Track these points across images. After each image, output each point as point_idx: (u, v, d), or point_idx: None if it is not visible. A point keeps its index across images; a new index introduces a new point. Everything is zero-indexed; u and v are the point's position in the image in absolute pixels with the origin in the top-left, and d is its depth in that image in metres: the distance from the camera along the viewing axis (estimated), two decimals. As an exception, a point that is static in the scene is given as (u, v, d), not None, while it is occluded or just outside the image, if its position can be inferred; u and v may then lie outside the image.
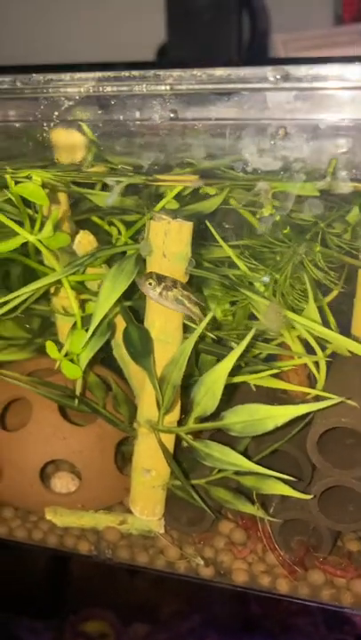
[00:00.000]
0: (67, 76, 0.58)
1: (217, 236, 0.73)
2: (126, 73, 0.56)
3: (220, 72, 0.55)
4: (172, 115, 0.56)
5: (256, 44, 1.86)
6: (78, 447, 0.79)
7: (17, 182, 0.66)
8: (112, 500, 0.82)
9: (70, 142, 0.65)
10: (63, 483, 0.83)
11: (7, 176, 0.65)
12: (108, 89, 0.57)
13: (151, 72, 0.55)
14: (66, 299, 0.80)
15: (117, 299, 0.68)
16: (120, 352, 0.80)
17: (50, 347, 0.71)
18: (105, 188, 0.76)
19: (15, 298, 0.70)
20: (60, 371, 0.81)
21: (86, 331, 0.71)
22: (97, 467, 0.79)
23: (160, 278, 0.67)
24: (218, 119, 0.56)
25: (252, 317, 0.79)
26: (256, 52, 1.83)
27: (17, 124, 0.61)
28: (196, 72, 0.55)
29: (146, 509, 0.77)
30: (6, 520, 0.83)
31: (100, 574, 1.37)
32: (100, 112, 0.58)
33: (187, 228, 0.67)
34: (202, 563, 0.75)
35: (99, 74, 0.56)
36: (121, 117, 0.58)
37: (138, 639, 1.34)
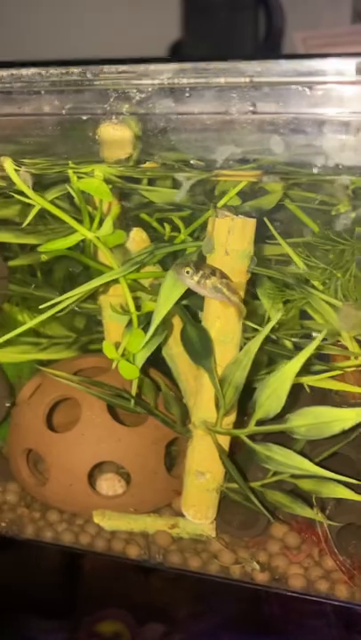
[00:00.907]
0: (140, 68, 0.56)
1: (275, 234, 0.71)
2: (204, 64, 0.54)
3: (301, 64, 0.53)
4: (250, 108, 0.54)
5: (271, 40, 1.85)
6: (129, 449, 0.77)
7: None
8: (161, 502, 0.80)
9: (118, 138, 0.64)
10: (109, 485, 0.81)
11: (70, 171, 0.63)
12: (185, 81, 0.55)
13: (230, 64, 0.54)
14: (114, 297, 0.79)
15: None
16: (170, 352, 0.79)
17: (107, 346, 0.69)
18: (151, 183, 0.74)
19: (70, 296, 0.68)
20: (107, 370, 0.80)
21: (142, 330, 0.69)
22: (147, 469, 0.78)
23: (197, 266, 0.65)
24: (297, 113, 0.54)
25: (304, 317, 0.78)
26: (271, 49, 1.81)
27: (84, 117, 0.59)
28: (275, 64, 0.53)
29: (199, 513, 0.76)
30: (52, 524, 0.81)
31: (113, 574, 1.36)
32: (173, 105, 0.56)
33: (250, 224, 0.65)
34: (258, 567, 0.73)
35: (175, 65, 0.55)
36: (196, 110, 0.56)
37: (153, 639, 1.32)
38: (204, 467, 0.73)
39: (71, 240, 0.68)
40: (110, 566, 1.34)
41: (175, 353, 0.79)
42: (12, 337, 0.81)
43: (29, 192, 0.64)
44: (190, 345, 0.69)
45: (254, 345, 0.64)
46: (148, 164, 0.67)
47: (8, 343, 0.85)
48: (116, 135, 0.63)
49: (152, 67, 0.55)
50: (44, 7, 1.89)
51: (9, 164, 0.63)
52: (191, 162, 0.58)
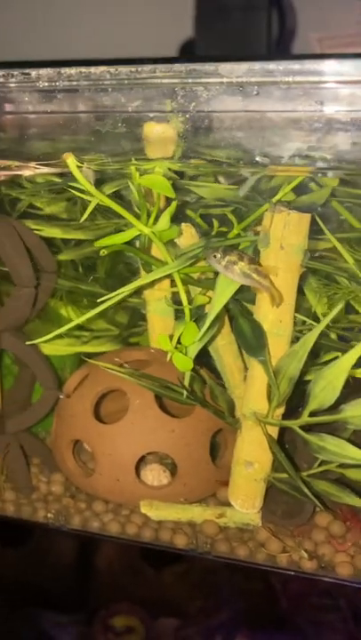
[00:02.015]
0: (211, 67, 0.57)
1: (324, 229, 0.73)
2: (273, 65, 0.56)
3: None
4: (318, 107, 0.56)
5: (284, 41, 1.86)
6: (177, 440, 0.78)
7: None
8: (206, 492, 0.82)
9: (161, 136, 0.65)
10: (155, 475, 0.83)
11: (132, 167, 0.65)
12: (253, 79, 0.57)
13: (299, 63, 0.55)
14: (159, 290, 0.80)
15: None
16: (215, 345, 0.80)
17: (162, 339, 0.70)
18: (193, 179, 0.76)
19: (124, 291, 0.70)
20: (151, 363, 0.82)
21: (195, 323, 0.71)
22: (194, 459, 0.79)
23: (225, 251, 0.67)
24: (363, 111, 0.56)
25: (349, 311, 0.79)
26: (284, 50, 1.83)
27: (150, 115, 0.60)
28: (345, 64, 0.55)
29: (246, 503, 0.77)
30: (98, 514, 0.82)
31: (126, 568, 1.37)
32: (241, 102, 0.58)
33: (305, 219, 0.67)
34: (306, 556, 0.75)
35: (245, 65, 0.56)
36: (263, 108, 0.58)
37: (166, 633, 1.34)
38: (252, 457, 0.75)
39: (127, 235, 0.70)
40: (123, 561, 1.36)
41: (220, 345, 0.80)
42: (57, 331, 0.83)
43: (91, 188, 0.66)
44: (243, 338, 0.70)
45: (311, 337, 0.66)
46: (195, 161, 0.69)
47: (54, 337, 0.86)
48: (160, 133, 0.65)
49: (222, 66, 0.57)
50: (55, 7, 1.90)
51: (72, 161, 0.64)
52: (257, 158, 0.60)
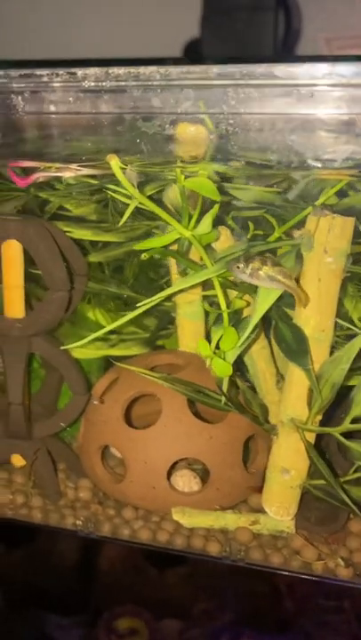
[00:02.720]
0: (261, 68, 0.56)
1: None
2: (329, 67, 0.55)
3: None
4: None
5: (290, 41, 1.86)
6: (210, 445, 0.77)
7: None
8: (238, 498, 0.81)
9: (194, 137, 0.64)
10: (185, 481, 0.82)
11: (177, 170, 0.64)
12: (305, 82, 0.56)
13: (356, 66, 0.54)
14: (190, 294, 0.79)
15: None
16: (249, 350, 0.79)
17: (202, 344, 0.69)
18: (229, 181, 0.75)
19: (162, 295, 0.69)
20: (182, 367, 0.81)
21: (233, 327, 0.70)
22: (227, 465, 0.78)
23: (247, 259, 0.66)
24: None
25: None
26: (290, 51, 1.82)
27: (201, 115, 0.59)
28: None
29: (281, 509, 0.76)
30: (128, 521, 0.81)
31: (129, 570, 1.36)
32: (294, 104, 0.57)
33: (350, 223, 0.66)
34: (342, 563, 0.74)
35: (299, 66, 0.55)
36: (315, 112, 0.57)
37: (170, 635, 1.33)
38: (289, 464, 0.74)
39: (167, 238, 0.68)
40: (126, 562, 1.35)
41: (254, 350, 0.80)
42: (84, 333, 0.82)
43: (134, 191, 0.65)
44: (285, 343, 0.69)
45: (357, 343, 0.65)
46: (234, 164, 0.67)
47: (81, 339, 0.85)
48: (193, 133, 0.64)
49: (276, 67, 0.56)
50: (58, 6, 1.88)
51: (115, 162, 0.63)
52: (308, 161, 0.59)
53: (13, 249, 0.76)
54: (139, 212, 0.81)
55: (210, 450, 0.78)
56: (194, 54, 1.83)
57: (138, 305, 0.68)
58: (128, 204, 0.67)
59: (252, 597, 1.35)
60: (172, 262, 0.84)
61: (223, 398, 0.72)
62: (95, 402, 0.78)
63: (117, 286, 0.88)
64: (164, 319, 0.87)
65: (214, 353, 0.70)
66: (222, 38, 1.80)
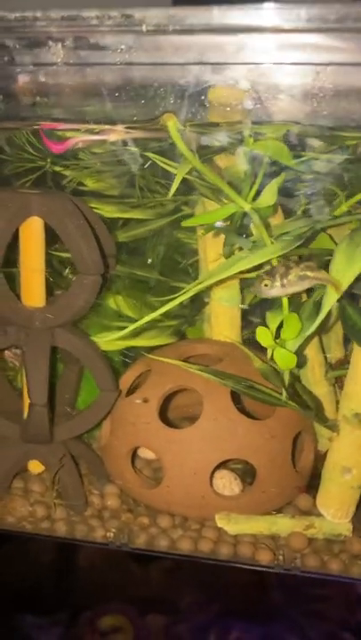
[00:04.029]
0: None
1: None
2: None
3: None
4: None
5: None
6: (258, 444, 0.70)
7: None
8: (285, 500, 0.74)
9: (229, 102, 0.56)
10: (225, 483, 0.74)
11: (246, 132, 0.55)
12: None
13: None
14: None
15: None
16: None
17: (262, 333, 0.61)
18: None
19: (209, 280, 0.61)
20: (220, 358, 0.73)
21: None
22: (276, 465, 0.71)
23: (270, 272, 0.62)
24: None
25: None
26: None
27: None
28: None
29: (339, 511, 0.70)
30: (165, 530, 0.73)
31: (111, 566, 1.29)
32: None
33: None
34: None
35: None
36: None
37: (156, 632, 1.26)
38: (351, 462, 0.67)
39: (224, 212, 0.60)
40: (107, 558, 1.27)
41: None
42: (105, 323, 0.73)
43: (190, 155, 0.56)
44: (352, 327, 0.62)
45: None
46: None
47: (102, 329, 0.76)
48: (228, 98, 0.56)
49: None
50: None
51: (173, 123, 0.54)
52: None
53: (34, 227, 0.66)
54: (166, 186, 0.73)
55: (258, 449, 0.70)
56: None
57: (188, 289, 0.59)
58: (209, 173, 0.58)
59: (238, 589, 1.29)
60: (203, 244, 0.75)
61: (284, 393, 0.64)
62: (138, 401, 0.69)
63: (141, 269, 0.79)
64: (197, 305, 0.78)
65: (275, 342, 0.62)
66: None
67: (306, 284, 0.62)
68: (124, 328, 0.76)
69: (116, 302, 0.79)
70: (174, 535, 0.72)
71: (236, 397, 0.72)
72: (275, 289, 0.62)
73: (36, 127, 0.58)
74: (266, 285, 0.62)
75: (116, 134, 0.57)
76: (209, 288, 0.75)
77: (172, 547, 0.72)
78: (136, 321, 0.78)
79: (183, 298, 0.63)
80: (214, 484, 0.74)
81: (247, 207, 0.59)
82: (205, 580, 1.28)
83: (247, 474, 0.76)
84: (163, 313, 0.77)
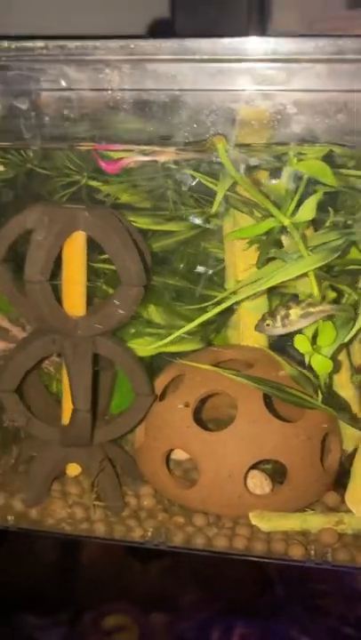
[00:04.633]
0: None
1: None
2: None
3: None
4: None
5: (263, 22, 1.82)
6: (290, 445, 0.73)
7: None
8: (314, 498, 0.78)
9: (257, 120, 0.60)
10: (256, 483, 0.78)
11: (290, 152, 0.59)
12: None
13: None
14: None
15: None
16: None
17: (300, 340, 0.65)
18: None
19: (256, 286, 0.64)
20: (251, 363, 0.76)
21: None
22: (306, 464, 0.75)
23: (271, 313, 0.68)
24: None
25: None
26: (264, 30, 1.78)
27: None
28: None
29: (368, 508, 0.73)
30: (201, 528, 0.76)
31: (111, 565, 1.32)
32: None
33: None
34: None
35: None
36: None
37: (161, 630, 1.30)
38: (380, 460, 0.71)
39: (264, 226, 0.64)
40: (108, 557, 1.31)
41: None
42: (137, 330, 0.77)
43: (237, 175, 0.59)
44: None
45: None
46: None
47: (135, 336, 0.80)
48: (256, 117, 0.59)
49: None
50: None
51: (222, 145, 0.57)
52: None
53: (78, 241, 0.69)
54: (197, 200, 0.76)
55: (291, 450, 0.74)
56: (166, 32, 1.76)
57: (217, 298, 0.63)
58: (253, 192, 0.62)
59: (239, 586, 1.33)
60: (231, 254, 0.79)
61: (320, 396, 0.68)
62: (180, 405, 0.72)
63: (169, 278, 0.82)
64: (226, 313, 0.82)
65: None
66: (193, 16, 1.76)
67: (311, 320, 0.67)
68: (156, 335, 0.80)
69: (146, 310, 0.82)
70: (210, 533, 0.75)
71: (267, 401, 0.75)
72: (277, 329, 0.68)
73: (89, 148, 0.61)
74: (268, 325, 0.68)
75: (167, 155, 0.61)
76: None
77: (208, 544, 0.75)
78: (165, 328, 0.82)
79: (224, 306, 0.66)
80: (247, 483, 0.77)
81: (287, 222, 0.63)
82: (207, 577, 1.32)
83: (276, 473, 0.79)
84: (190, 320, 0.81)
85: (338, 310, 0.65)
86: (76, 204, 0.72)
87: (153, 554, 1.32)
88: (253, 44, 0.54)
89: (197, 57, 0.54)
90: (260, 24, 1.79)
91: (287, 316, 0.67)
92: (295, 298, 0.68)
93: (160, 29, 1.78)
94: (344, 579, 1.32)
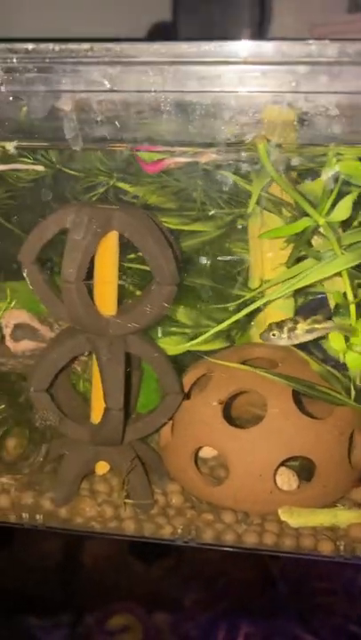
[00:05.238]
0: None
1: None
2: None
3: None
4: None
5: (265, 25, 1.84)
6: (319, 442, 0.74)
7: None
8: (342, 494, 0.79)
9: (282, 120, 0.61)
10: (284, 479, 0.78)
11: (330, 153, 0.60)
12: None
13: None
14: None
15: None
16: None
17: (335, 337, 0.66)
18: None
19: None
20: (276, 361, 0.77)
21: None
22: (335, 461, 0.76)
23: (279, 325, 0.72)
24: None
25: None
26: (265, 33, 1.80)
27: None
28: None
29: (397, 503, 0.74)
30: (230, 525, 0.77)
31: (115, 566, 1.33)
32: None
33: None
34: None
35: None
36: None
37: (165, 629, 1.31)
38: None
39: (299, 226, 0.65)
40: (110, 558, 1.32)
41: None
42: (165, 329, 0.77)
43: (276, 175, 0.60)
44: None
45: None
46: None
47: (164, 335, 0.81)
48: (281, 117, 0.60)
49: None
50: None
51: (263, 145, 0.58)
52: None
53: (111, 241, 0.70)
54: (226, 200, 0.77)
55: (319, 446, 0.75)
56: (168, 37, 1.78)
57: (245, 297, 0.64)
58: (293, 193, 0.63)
59: (242, 585, 1.34)
60: (257, 253, 0.80)
61: (353, 393, 0.69)
62: (215, 403, 0.73)
63: (194, 277, 0.83)
64: (253, 311, 0.83)
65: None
66: (195, 19, 1.77)
67: (314, 335, 0.73)
68: (181, 334, 0.81)
69: (173, 309, 0.82)
70: (239, 530, 0.76)
71: (296, 398, 0.76)
72: (282, 340, 0.73)
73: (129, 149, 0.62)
74: (274, 335, 0.73)
75: (207, 156, 0.61)
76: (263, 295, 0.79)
77: (238, 541, 0.75)
78: (189, 327, 0.83)
79: (256, 305, 0.67)
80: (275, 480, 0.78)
81: (322, 221, 0.64)
82: (210, 576, 1.33)
83: (302, 470, 0.80)
84: (221, 320, 0.82)
85: (340, 327, 0.70)
86: (106, 204, 0.73)
87: (156, 553, 1.32)
88: (296, 48, 0.55)
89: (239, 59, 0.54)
90: (261, 26, 1.80)
91: (294, 329, 0.72)
92: (304, 313, 0.73)
93: (161, 32, 1.79)
94: (348, 577, 1.33)
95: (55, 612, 1.30)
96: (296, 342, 0.73)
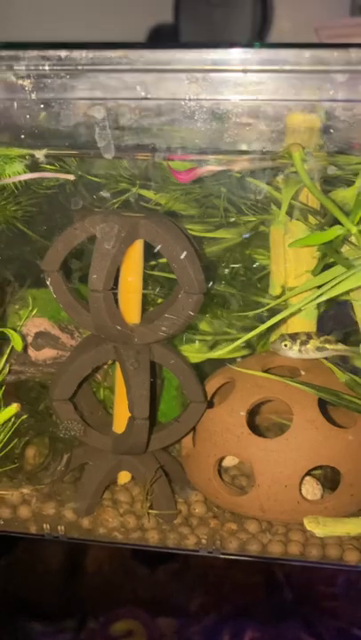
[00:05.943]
0: None
1: None
2: None
3: None
4: None
5: (268, 28, 1.84)
6: (346, 450, 0.74)
7: None
8: (364, 503, 0.78)
9: (307, 127, 0.61)
10: (308, 489, 0.78)
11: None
12: None
13: None
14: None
15: None
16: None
17: None
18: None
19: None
20: (298, 370, 0.77)
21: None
22: (359, 470, 0.75)
23: (293, 336, 0.73)
24: None
25: None
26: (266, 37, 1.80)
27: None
28: None
29: None
30: (255, 535, 0.76)
31: (119, 571, 1.32)
32: None
33: None
34: None
35: None
36: None
37: (169, 634, 1.30)
38: None
39: (330, 234, 0.64)
40: (114, 564, 1.31)
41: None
42: (185, 337, 0.77)
43: (310, 184, 0.60)
44: None
45: None
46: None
47: (182, 344, 0.80)
48: (306, 124, 0.60)
49: None
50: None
51: (299, 154, 0.58)
52: None
53: (136, 249, 0.69)
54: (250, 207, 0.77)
55: (346, 455, 0.74)
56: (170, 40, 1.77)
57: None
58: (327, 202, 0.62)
59: (246, 590, 1.33)
60: (279, 260, 0.79)
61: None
62: (242, 413, 0.72)
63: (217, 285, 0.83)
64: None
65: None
66: (197, 22, 1.77)
67: (322, 354, 0.74)
68: (203, 342, 0.81)
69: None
70: (264, 540, 0.75)
71: (321, 407, 0.76)
72: (292, 352, 0.73)
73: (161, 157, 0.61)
74: (285, 346, 0.73)
75: (240, 164, 0.61)
76: (286, 302, 0.79)
77: (263, 551, 0.75)
78: (209, 334, 0.83)
79: (284, 315, 0.67)
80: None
81: (354, 230, 0.63)
82: (214, 581, 1.32)
83: (325, 479, 0.80)
84: (241, 328, 0.81)
85: (349, 352, 0.72)
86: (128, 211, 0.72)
87: (159, 559, 1.31)
88: (334, 54, 0.54)
89: (281, 67, 0.53)
90: (263, 30, 1.80)
91: (306, 343, 0.73)
92: (324, 321, 0.75)
93: (163, 35, 1.78)
94: (353, 581, 1.33)
95: (59, 617, 1.29)
96: (305, 357, 0.74)
